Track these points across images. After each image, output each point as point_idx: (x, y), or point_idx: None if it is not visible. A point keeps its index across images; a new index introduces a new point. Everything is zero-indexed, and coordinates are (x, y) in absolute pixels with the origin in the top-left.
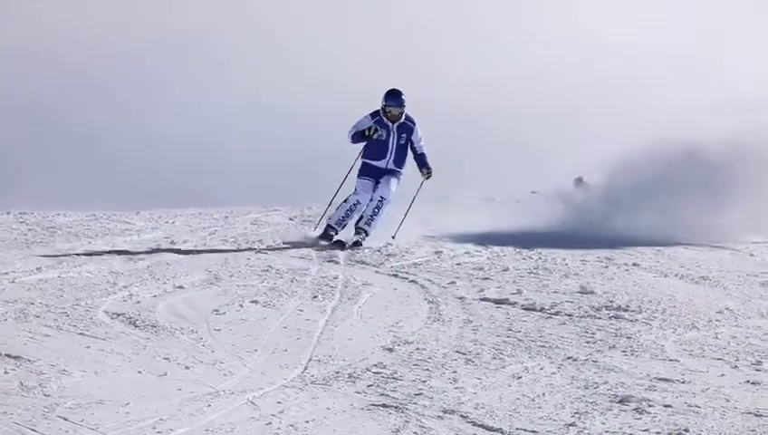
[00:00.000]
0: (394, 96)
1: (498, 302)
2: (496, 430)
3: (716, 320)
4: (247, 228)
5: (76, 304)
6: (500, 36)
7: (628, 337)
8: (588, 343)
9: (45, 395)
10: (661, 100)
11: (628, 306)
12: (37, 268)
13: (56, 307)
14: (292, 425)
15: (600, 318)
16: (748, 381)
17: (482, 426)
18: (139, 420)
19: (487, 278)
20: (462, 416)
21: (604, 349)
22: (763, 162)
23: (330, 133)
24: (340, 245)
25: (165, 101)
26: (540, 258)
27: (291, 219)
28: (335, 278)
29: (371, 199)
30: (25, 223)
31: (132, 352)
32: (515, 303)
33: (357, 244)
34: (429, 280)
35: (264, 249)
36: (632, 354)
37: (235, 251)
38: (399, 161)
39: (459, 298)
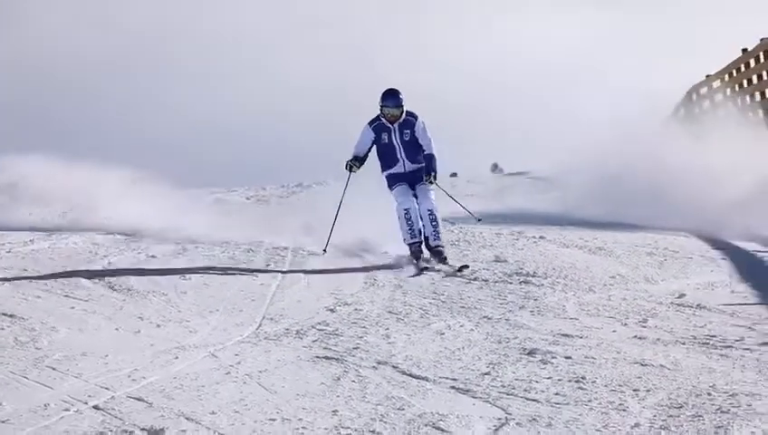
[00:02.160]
0: (390, 96)
1: (425, 269)
2: (422, 378)
3: (610, 284)
4: (211, 207)
5: (63, 271)
6: (426, 46)
7: (536, 299)
8: (501, 304)
9: (37, 348)
10: (563, 103)
11: (535, 273)
12: (30, 240)
13: (46, 273)
14: (247, 374)
15: (511, 283)
16: (635, 337)
17: (410, 375)
18: (116, 370)
19: None
20: (393, 366)
21: (515, 309)
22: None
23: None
24: (465, 268)
25: (145, 103)
26: (461, 232)
27: (248, 199)
28: (285, 249)
29: (420, 216)
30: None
31: (111, 312)
32: (440, 270)
33: (441, 257)
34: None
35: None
36: (538, 314)
37: (199, 226)
38: (414, 158)
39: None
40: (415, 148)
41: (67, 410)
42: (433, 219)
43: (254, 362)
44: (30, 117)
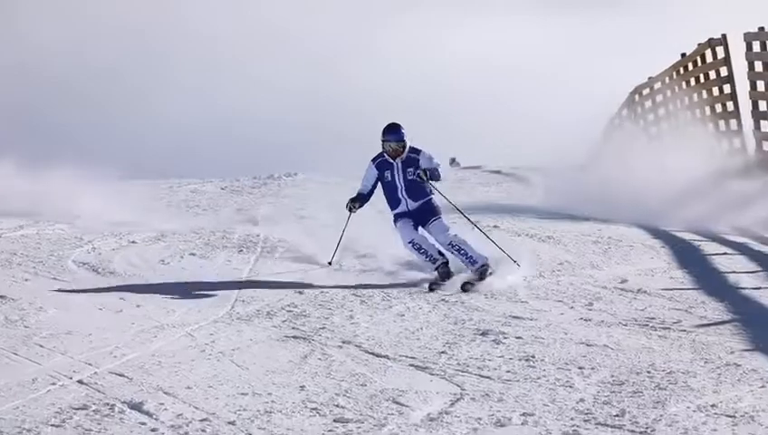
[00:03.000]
0: (391, 131)
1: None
2: (384, 356)
3: (558, 270)
4: (188, 196)
5: (50, 255)
6: (381, 49)
7: (489, 283)
8: (457, 287)
9: (25, 327)
10: (518, 102)
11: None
12: (19, 226)
13: (34, 257)
14: (221, 352)
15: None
16: (581, 319)
17: (372, 353)
18: (100, 347)
19: None
20: (356, 345)
21: (470, 292)
22: None
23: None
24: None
25: (127, 101)
26: None
27: (222, 189)
28: (257, 236)
29: (444, 248)
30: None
31: (95, 293)
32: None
33: (482, 277)
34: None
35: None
36: (492, 297)
37: (177, 214)
38: (417, 196)
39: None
40: (418, 186)
41: (53, 384)
42: (458, 249)
43: (227, 340)
44: (9, 116)
